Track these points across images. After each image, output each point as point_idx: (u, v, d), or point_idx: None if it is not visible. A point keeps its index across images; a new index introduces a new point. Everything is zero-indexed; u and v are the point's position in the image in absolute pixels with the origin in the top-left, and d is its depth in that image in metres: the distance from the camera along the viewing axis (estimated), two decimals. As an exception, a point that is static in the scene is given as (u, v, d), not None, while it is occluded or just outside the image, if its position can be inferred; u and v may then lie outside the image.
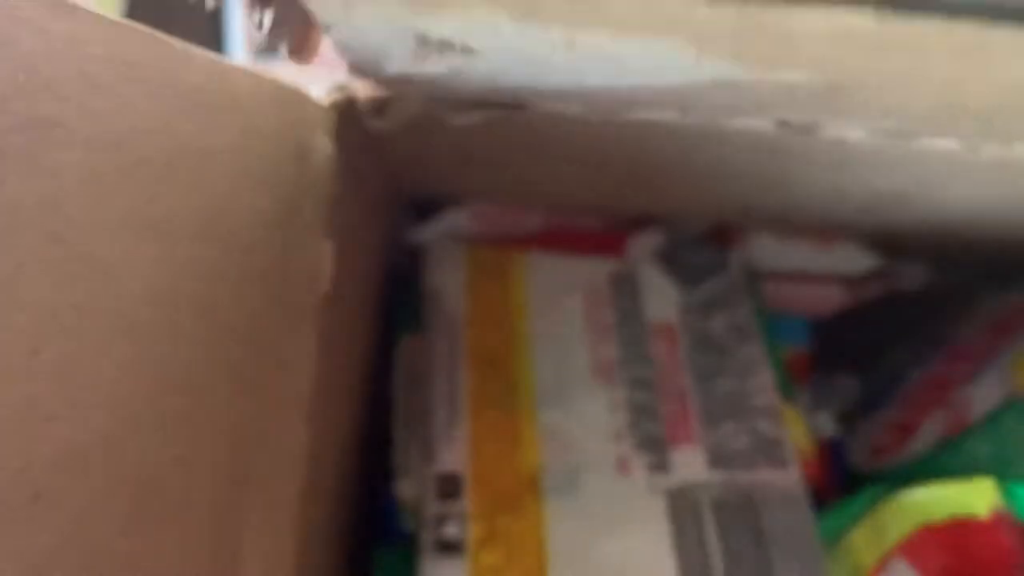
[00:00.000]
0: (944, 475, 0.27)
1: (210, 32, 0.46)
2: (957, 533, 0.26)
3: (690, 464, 0.29)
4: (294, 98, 0.21)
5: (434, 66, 0.19)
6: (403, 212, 0.38)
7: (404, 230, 0.37)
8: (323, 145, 0.21)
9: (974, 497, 0.27)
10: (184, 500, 0.18)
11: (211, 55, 0.19)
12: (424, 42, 0.18)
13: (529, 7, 0.16)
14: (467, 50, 0.18)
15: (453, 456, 0.29)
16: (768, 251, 0.37)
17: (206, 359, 0.18)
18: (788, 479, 0.28)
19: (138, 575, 0.17)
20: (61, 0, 0.16)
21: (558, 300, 0.33)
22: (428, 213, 0.37)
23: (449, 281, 0.34)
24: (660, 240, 0.35)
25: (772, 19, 0.15)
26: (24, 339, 0.16)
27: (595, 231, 0.36)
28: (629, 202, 0.33)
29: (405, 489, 0.30)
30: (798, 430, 0.30)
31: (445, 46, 0.18)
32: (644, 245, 0.35)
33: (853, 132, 0.21)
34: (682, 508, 0.28)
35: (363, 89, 0.22)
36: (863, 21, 0.14)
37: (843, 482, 0.33)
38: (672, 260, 0.34)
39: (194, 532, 0.18)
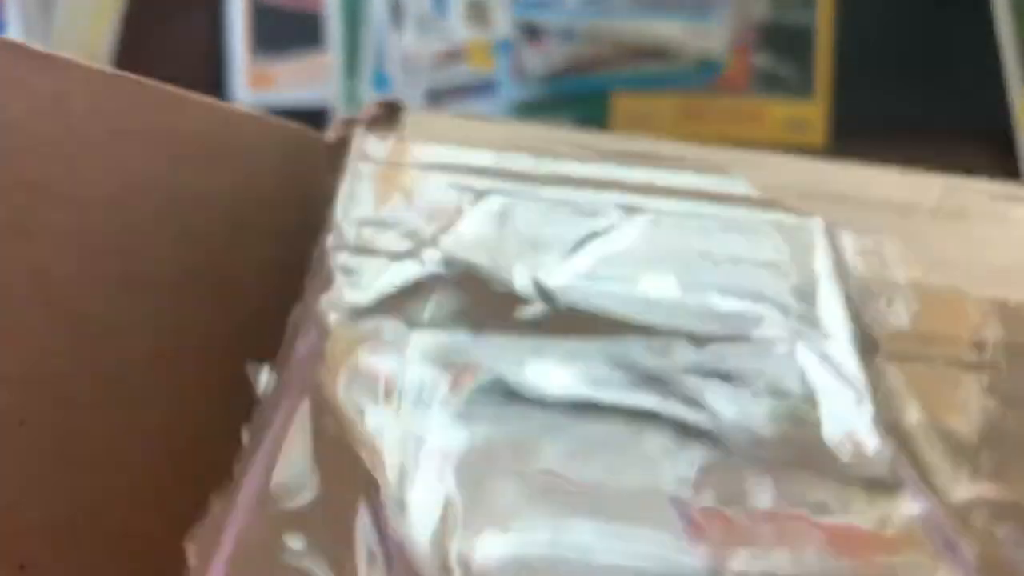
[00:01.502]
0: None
1: (210, 31, 0.45)
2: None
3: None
4: (301, 139, 0.20)
5: None
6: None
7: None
8: (328, 186, 0.20)
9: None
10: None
11: (209, 100, 0.18)
12: None
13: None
14: None
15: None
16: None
17: (207, 416, 0.18)
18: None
19: None
20: (46, 55, 0.15)
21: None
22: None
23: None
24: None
25: None
26: (10, 412, 0.15)
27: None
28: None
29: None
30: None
31: None
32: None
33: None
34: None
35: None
36: None
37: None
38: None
39: None
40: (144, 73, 0.50)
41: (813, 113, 0.41)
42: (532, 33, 0.42)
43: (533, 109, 0.42)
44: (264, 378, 0.15)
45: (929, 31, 0.40)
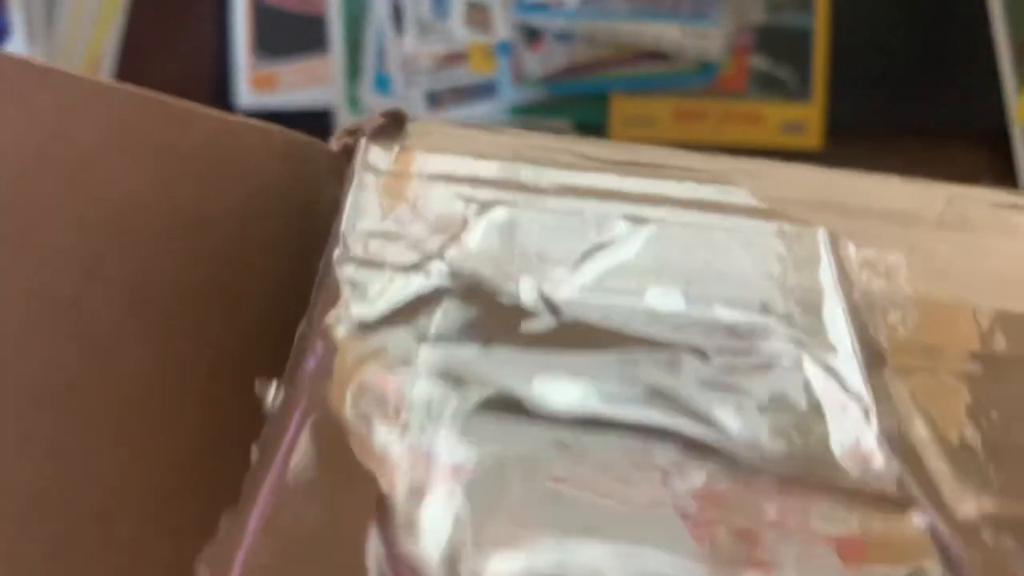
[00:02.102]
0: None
1: (213, 33, 0.45)
2: None
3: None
4: (305, 149, 0.20)
5: None
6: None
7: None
8: (332, 194, 0.20)
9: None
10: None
11: (213, 112, 0.18)
12: None
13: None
14: None
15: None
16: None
17: (215, 431, 0.18)
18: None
19: None
20: (48, 68, 0.15)
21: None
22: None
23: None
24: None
25: None
26: (16, 424, 0.15)
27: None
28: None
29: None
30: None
31: None
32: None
33: None
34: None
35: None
36: None
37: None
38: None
39: None
40: (148, 74, 0.51)
41: (810, 115, 0.41)
42: (531, 35, 0.42)
43: (533, 111, 0.42)
44: (272, 394, 0.15)
45: (925, 34, 0.40)
